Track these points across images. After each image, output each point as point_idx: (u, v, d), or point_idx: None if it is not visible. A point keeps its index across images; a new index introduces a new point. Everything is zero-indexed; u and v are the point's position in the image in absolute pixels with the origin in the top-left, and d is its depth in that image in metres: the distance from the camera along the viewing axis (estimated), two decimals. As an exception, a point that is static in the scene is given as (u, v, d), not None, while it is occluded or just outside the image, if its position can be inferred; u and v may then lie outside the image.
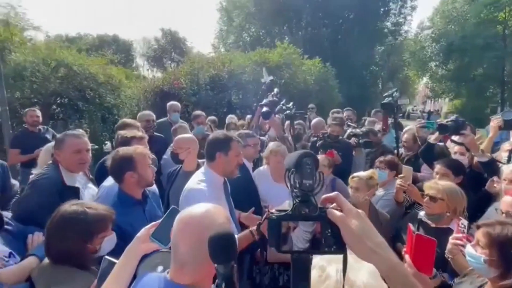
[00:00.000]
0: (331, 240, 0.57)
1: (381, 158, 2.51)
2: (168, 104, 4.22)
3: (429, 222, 1.93)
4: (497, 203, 1.92)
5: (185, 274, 0.83)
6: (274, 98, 2.87)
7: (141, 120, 3.38)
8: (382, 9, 22.54)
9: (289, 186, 0.59)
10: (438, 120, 2.52)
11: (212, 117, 4.32)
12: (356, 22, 21.45)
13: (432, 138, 2.43)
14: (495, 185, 2.10)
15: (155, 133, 3.48)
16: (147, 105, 7.76)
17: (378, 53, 24.16)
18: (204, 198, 1.57)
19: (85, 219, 1.09)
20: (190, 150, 2.22)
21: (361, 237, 0.54)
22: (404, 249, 1.36)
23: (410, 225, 1.34)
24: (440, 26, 20.89)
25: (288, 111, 2.83)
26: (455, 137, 2.26)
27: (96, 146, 4.72)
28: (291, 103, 2.95)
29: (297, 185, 0.57)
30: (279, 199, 2.52)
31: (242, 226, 2.01)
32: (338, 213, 0.56)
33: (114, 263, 1.00)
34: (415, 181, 2.41)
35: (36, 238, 1.35)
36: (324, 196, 0.62)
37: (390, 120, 3.49)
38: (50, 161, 1.90)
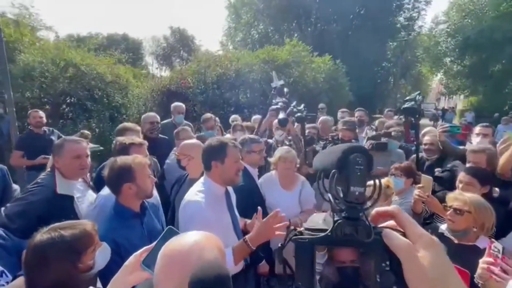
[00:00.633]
0: (390, 278, 0.39)
1: (397, 165, 2.33)
2: (172, 105, 4.13)
3: (452, 237, 1.75)
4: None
5: None
6: (284, 99, 2.72)
7: (145, 122, 3.29)
8: (394, 4, 21.86)
9: (327, 195, 0.42)
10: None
11: (211, 114, 4.06)
12: (367, 17, 20.89)
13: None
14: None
15: (159, 135, 3.39)
16: (154, 105, 7.74)
17: (390, 49, 23.50)
18: (201, 211, 1.47)
19: (64, 242, 0.98)
20: (191, 157, 2.10)
21: (435, 281, 0.36)
22: None
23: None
24: (456, 20, 20.08)
25: (299, 114, 2.67)
26: None
27: (102, 148, 4.70)
28: (302, 105, 2.79)
29: (340, 194, 0.41)
30: (287, 207, 2.40)
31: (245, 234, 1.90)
32: (403, 239, 0.39)
33: None
34: (435, 189, 2.23)
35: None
36: (377, 209, 0.44)
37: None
38: (49, 169, 1.84)
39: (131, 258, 0.93)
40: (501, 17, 16.51)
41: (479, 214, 1.65)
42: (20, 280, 1.13)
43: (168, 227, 1.01)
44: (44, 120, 3.79)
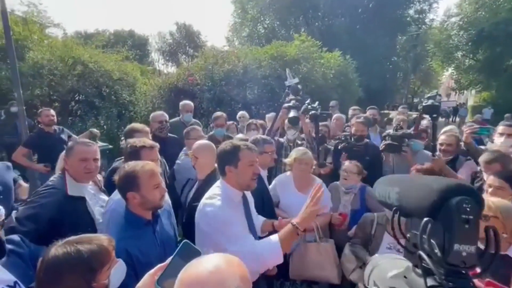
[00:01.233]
0: None
1: (419, 166, 2.21)
2: (181, 103, 4.06)
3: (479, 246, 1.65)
4: None
5: None
6: (297, 97, 2.62)
7: (154, 121, 3.23)
8: (404, -4, 21.29)
9: (418, 252, 0.32)
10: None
11: (222, 113, 3.91)
12: (376, 10, 20.38)
13: None
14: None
15: (169, 135, 3.33)
16: (162, 102, 7.70)
17: (399, 43, 22.93)
18: (220, 210, 1.41)
19: (80, 258, 0.91)
20: (196, 158, 2.05)
21: None
22: None
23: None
24: (469, 13, 19.41)
25: (313, 111, 2.56)
26: None
27: (111, 146, 4.69)
28: (316, 103, 2.68)
29: (436, 250, 0.31)
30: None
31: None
32: None
33: None
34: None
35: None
36: None
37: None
38: (60, 171, 1.81)
39: (145, 278, 0.86)
40: (517, 9, 15.91)
41: (508, 219, 1.53)
42: None
43: (184, 241, 0.93)
44: (55, 118, 3.77)
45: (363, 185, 2.43)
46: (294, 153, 2.29)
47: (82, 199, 1.72)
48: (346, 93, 8.85)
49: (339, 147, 3.01)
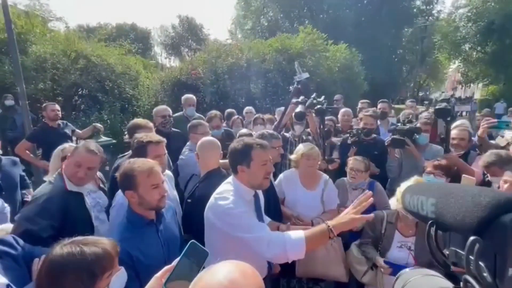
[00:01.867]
0: None
1: (436, 162, 2.13)
2: (183, 98, 3.98)
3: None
4: None
5: None
6: (308, 94, 2.54)
7: (157, 116, 3.18)
8: (412, -13, 20.78)
9: (465, 276, 0.28)
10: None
11: (215, 111, 3.55)
12: (382, 2, 19.91)
13: None
14: None
15: (172, 129, 3.29)
16: (165, 96, 7.65)
17: (405, 35, 22.46)
18: (233, 205, 1.36)
19: (83, 261, 0.87)
20: (199, 154, 2.01)
21: None
22: None
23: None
24: (478, 4, 18.88)
25: (319, 106, 2.49)
26: None
27: (114, 141, 4.66)
28: (322, 97, 2.59)
29: (485, 274, 0.26)
30: (309, 207, 2.27)
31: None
32: None
33: None
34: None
35: (42, 264, 1.17)
36: None
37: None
38: (59, 170, 1.79)
39: (152, 281, 0.82)
40: (528, 0, 15.44)
41: None
42: None
43: (191, 241, 0.89)
44: (60, 113, 3.74)
45: (371, 181, 2.37)
46: (301, 149, 2.23)
47: (80, 195, 1.72)
48: (352, 87, 8.71)
49: (349, 141, 2.93)
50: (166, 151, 1.91)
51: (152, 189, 1.28)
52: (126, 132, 3.08)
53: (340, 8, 20.08)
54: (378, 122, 3.66)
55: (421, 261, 1.70)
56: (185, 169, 2.60)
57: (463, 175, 1.90)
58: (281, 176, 2.40)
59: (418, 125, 2.70)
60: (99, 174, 2.06)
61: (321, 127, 2.74)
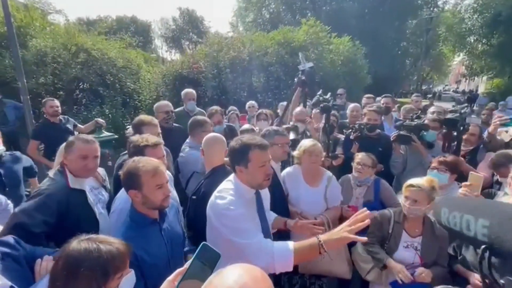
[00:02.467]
0: None
1: (441, 159, 2.10)
2: (183, 92, 3.93)
3: None
4: None
5: None
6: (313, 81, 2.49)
7: (159, 112, 3.15)
8: (416, -22, 20.31)
9: None
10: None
11: (216, 107, 3.49)
12: (386, -7, 19.48)
13: None
14: None
15: (174, 124, 3.26)
16: (167, 90, 7.59)
17: (409, 27, 22.07)
18: (231, 206, 1.35)
19: (99, 258, 0.88)
20: (204, 151, 2.00)
21: None
22: None
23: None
24: (484, -5, 18.48)
25: (325, 103, 2.44)
26: None
27: (116, 136, 4.65)
28: (328, 94, 2.54)
29: None
30: (312, 204, 2.26)
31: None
32: None
33: None
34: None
35: (45, 265, 1.16)
36: None
37: None
38: (58, 167, 1.77)
39: (164, 285, 0.82)
40: (536, -9, 15.05)
41: None
42: None
43: (202, 243, 0.88)
44: (60, 109, 3.72)
45: (377, 178, 2.35)
46: (303, 145, 2.20)
47: (83, 192, 1.71)
48: (355, 80, 8.60)
49: (351, 136, 2.89)
50: (164, 153, 1.88)
51: (157, 189, 1.27)
52: (128, 127, 3.06)
53: (343, 0, 19.71)
54: (382, 117, 3.60)
55: (427, 261, 1.68)
56: (186, 166, 2.58)
57: (470, 172, 1.86)
58: (283, 173, 2.38)
59: (426, 121, 2.65)
60: (101, 170, 2.05)
61: (326, 124, 2.70)
